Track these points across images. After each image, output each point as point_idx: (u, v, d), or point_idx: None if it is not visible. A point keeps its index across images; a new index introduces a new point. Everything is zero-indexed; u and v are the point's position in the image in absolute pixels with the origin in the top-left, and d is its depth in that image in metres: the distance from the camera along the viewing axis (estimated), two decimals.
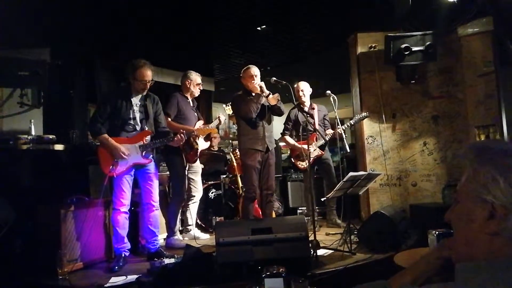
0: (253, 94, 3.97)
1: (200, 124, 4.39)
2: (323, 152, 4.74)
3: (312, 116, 4.80)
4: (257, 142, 3.93)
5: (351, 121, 4.67)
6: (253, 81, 3.95)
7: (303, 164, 4.73)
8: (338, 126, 4.54)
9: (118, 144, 3.42)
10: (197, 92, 4.44)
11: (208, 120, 5.90)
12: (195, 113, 4.44)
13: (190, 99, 4.42)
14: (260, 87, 3.89)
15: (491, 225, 0.82)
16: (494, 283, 0.76)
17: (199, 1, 4.97)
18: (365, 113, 4.65)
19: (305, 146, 4.56)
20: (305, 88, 4.81)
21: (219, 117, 4.54)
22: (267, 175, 4.00)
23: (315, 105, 4.87)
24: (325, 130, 4.84)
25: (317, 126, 4.77)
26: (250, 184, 3.94)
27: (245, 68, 4.12)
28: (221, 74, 8.43)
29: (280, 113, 4.08)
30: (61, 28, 4.87)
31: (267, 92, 3.91)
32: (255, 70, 4.02)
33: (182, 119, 4.25)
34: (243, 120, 4.01)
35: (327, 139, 4.66)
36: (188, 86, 4.36)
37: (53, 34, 4.89)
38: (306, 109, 4.83)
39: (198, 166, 4.51)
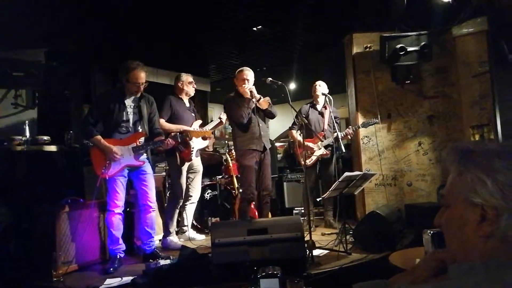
0: (244, 96, 3.93)
1: (197, 124, 4.37)
2: (328, 153, 4.74)
3: (322, 115, 4.83)
4: (253, 142, 3.89)
5: (359, 124, 4.67)
6: (243, 85, 3.91)
7: (306, 162, 4.72)
8: (349, 127, 4.64)
9: (110, 145, 3.41)
10: (192, 91, 4.40)
11: (204, 120, 5.89)
12: (192, 113, 4.41)
13: (185, 100, 4.39)
14: (251, 92, 3.85)
15: (484, 228, 0.82)
16: (488, 282, 0.76)
17: (195, 2, 4.96)
18: (375, 119, 4.65)
19: (310, 144, 4.62)
20: (322, 84, 4.86)
21: (220, 117, 4.52)
22: (263, 175, 3.97)
23: (328, 106, 4.89)
24: (333, 132, 4.83)
25: (325, 127, 4.80)
26: (247, 185, 3.90)
27: (239, 69, 4.08)
28: (217, 74, 8.42)
29: (272, 117, 4.07)
30: (57, 29, 4.85)
31: (258, 96, 3.86)
32: (247, 74, 3.97)
33: (177, 120, 4.22)
34: (235, 123, 3.99)
35: (332, 140, 4.68)
36: (181, 86, 4.34)
37: (48, 35, 4.87)
38: (319, 107, 4.88)
39: (198, 167, 4.47)
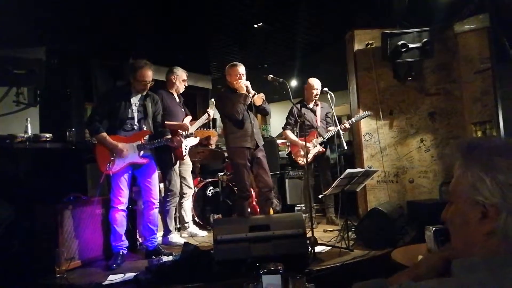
0: (238, 92, 3.86)
1: (188, 120, 4.34)
2: (324, 150, 4.74)
3: (315, 113, 4.81)
4: (246, 139, 3.82)
5: (352, 119, 4.67)
6: (239, 80, 3.84)
7: (303, 160, 4.73)
8: (345, 121, 4.60)
9: (116, 142, 3.42)
10: (182, 88, 4.37)
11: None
12: (182, 109, 4.39)
13: (176, 95, 4.36)
14: (246, 87, 3.80)
15: (485, 225, 0.83)
16: (491, 279, 0.76)
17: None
18: (368, 112, 4.64)
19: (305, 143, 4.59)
20: (319, 87, 4.80)
21: (207, 112, 4.50)
22: (261, 172, 3.89)
23: (318, 102, 4.88)
24: (327, 128, 4.84)
25: (318, 123, 4.78)
26: (242, 183, 3.85)
27: (231, 64, 3.99)
28: (218, 72, 8.42)
29: (265, 113, 4.03)
30: (58, 26, 4.85)
31: (253, 92, 3.82)
32: (241, 69, 3.90)
33: (169, 116, 4.17)
34: (229, 119, 3.92)
35: (328, 136, 4.68)
36: (174, 81, 4.29)
37: (49, 32, 4.87)
38: (310, 105, 4.84)
39: (188, 164, 4.50)
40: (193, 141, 4.44)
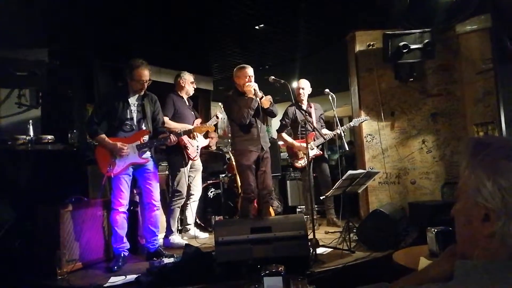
0: (246, 95, 3.85)
1: (198, 122, 4.39)
2: (321, 152, 4.74)
3: (310, 115, 4.79)
4: (252, 143, 3.83)
5: (350, 123, 4.66)
6: (248, 83, 3.82)
7: (300, 163, 4.72)
8: (338, 127, 4.52)
9: (115, 142, 3.43)
10: (191, 90, 4.43)
11: (207, 119, 5.89)
12: (192, 112, 4.43)
13: (185, 98, 4.41)
14: (254, 90, 3.79)
15: (487, 227, 0.82)
16: (492, 283, 0.76)
17: (197, 0, 4.96)
18: (366, 117, 4.63)
19: (304, 145, 4.58)
20: (306, 87, 4.79)
21: (216, 115, 4.53)
22: (263, 174, 3.90)
23: (312, 104, 4.87)
24: (321, 129, 4.83)
25: (315, 125, 4.76)
26: (247, 184, 3.84)
27: (239, 67, 3.98)
28: (220, 73, 8.42)
29: (273, 116, 4.03)
30: (60, 28, 4.86)
31: (260, 94, 3.81)
32: (250, 71, 3.89)
33: (179, 118, 4.24)
34: (235, 123, 3.92)
35: (326, 138, 4.67)
36: (183, 84, 4.36)
37: (51, 34, 4.88)
38: (304, 107, 4.82)
39: (199, 165, 4.50)
40: (204, 142, 4.45)
